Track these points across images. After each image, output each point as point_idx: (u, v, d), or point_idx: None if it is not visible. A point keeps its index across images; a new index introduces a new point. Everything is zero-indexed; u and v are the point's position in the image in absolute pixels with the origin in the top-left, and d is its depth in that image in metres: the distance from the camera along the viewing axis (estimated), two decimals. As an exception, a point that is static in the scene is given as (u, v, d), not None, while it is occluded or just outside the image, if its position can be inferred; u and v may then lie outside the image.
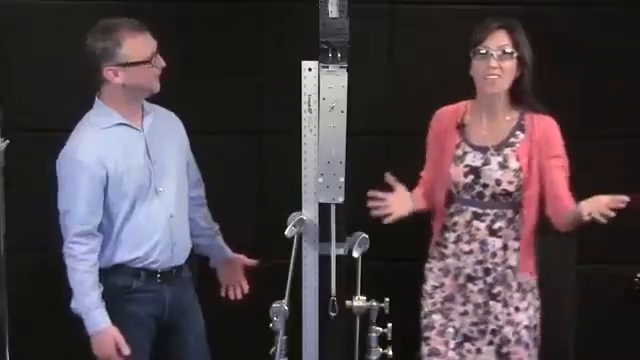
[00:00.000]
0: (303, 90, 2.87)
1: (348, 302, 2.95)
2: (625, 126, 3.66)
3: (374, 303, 2.95)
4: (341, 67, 2.80)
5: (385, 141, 3.64)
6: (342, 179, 2.86)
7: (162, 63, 2.88)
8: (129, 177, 2.87)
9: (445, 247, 2.97)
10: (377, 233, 2.91)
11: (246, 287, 3.20)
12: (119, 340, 2.88)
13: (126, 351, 2.88)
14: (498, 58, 2.79)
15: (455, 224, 2.94)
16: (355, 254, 2.90)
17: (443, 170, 2.94)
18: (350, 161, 2.85)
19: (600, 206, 2.61)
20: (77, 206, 2.85)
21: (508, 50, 2.80)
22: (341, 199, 2.87)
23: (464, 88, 2.93)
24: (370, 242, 2.93)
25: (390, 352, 2.98)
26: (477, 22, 2.89)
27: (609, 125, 3.67)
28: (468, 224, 2.91)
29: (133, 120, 2.93)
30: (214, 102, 3.16)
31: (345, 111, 2.82)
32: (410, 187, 3.04)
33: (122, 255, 2.91)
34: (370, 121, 3.51)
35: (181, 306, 3.02)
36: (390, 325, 2.94)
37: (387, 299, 2.94)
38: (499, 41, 2.81)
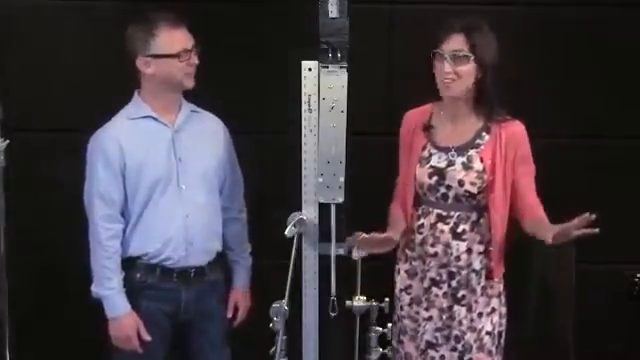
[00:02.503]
0: (303, 90, 2.87)
1: (348, 302, 2.95)
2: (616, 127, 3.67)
3: (374, 303, 2.95)
4: (341, 67, 2.80)
5: (385, 141, 3.63)
6: (342, 179, 2.86)
7: (195, 60, 2.91)
8: (147, 169, 2.90)
9: (412, 249, 2.93)
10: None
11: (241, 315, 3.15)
12: (139, 325, 2.91)
13: (146, 337, 2.91)
14: (452, 62, 2.75)
15: (421, 226, 2.89)
16: (355, 254, 2.90)
17: (410, 172, 2.91)
18: (350, 161, 2.85)
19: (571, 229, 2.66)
20: (97, 190, 2.90)
21: (462, 54, 2.75)
22: (341, 199, 2.87)
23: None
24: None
25: (390, 352, 2.98)
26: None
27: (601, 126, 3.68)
28: (433, 226, 2.87)
29: (164, 115, 2.96)
30: (213, 102, 3.15)
31: (345, 111, 2.82)
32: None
33: (137, 247, 2.93)
34: (370, 121, 3.51)
35: (201, 308, 3.01)
36: (390, 325, 2.94)
37: (387, 299, 2.94)
38: (454, 45, 2.75)
